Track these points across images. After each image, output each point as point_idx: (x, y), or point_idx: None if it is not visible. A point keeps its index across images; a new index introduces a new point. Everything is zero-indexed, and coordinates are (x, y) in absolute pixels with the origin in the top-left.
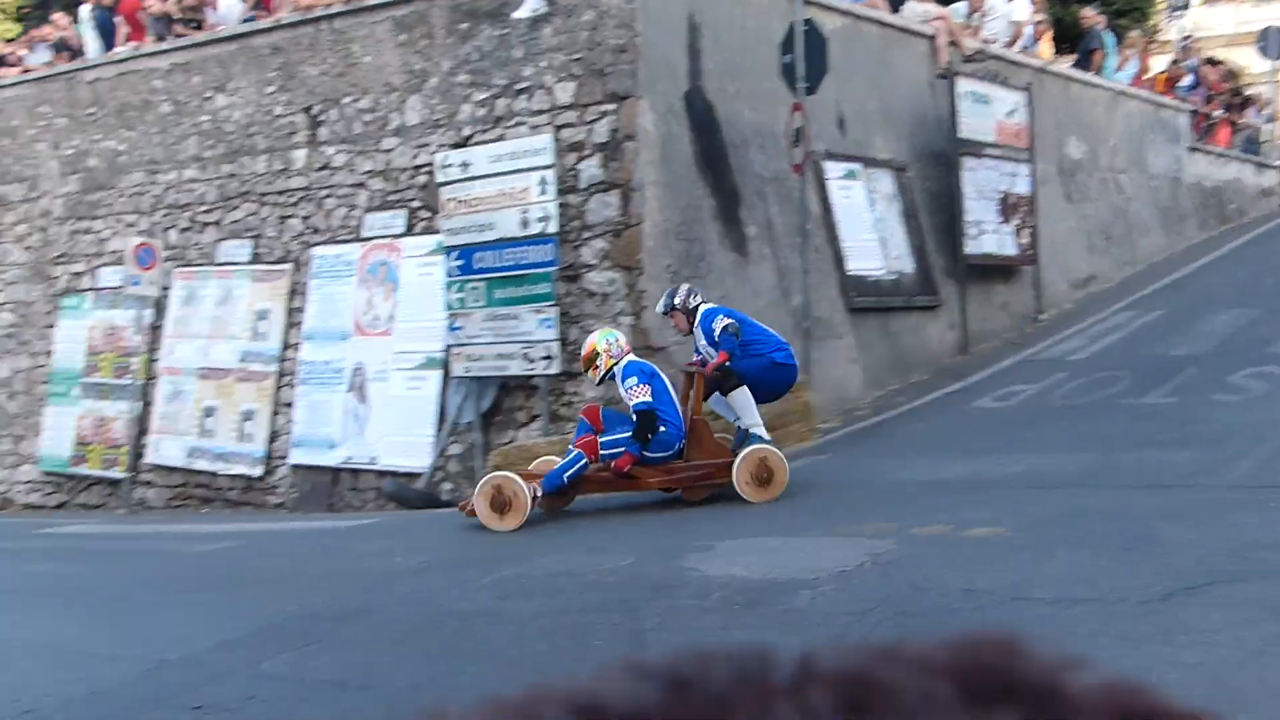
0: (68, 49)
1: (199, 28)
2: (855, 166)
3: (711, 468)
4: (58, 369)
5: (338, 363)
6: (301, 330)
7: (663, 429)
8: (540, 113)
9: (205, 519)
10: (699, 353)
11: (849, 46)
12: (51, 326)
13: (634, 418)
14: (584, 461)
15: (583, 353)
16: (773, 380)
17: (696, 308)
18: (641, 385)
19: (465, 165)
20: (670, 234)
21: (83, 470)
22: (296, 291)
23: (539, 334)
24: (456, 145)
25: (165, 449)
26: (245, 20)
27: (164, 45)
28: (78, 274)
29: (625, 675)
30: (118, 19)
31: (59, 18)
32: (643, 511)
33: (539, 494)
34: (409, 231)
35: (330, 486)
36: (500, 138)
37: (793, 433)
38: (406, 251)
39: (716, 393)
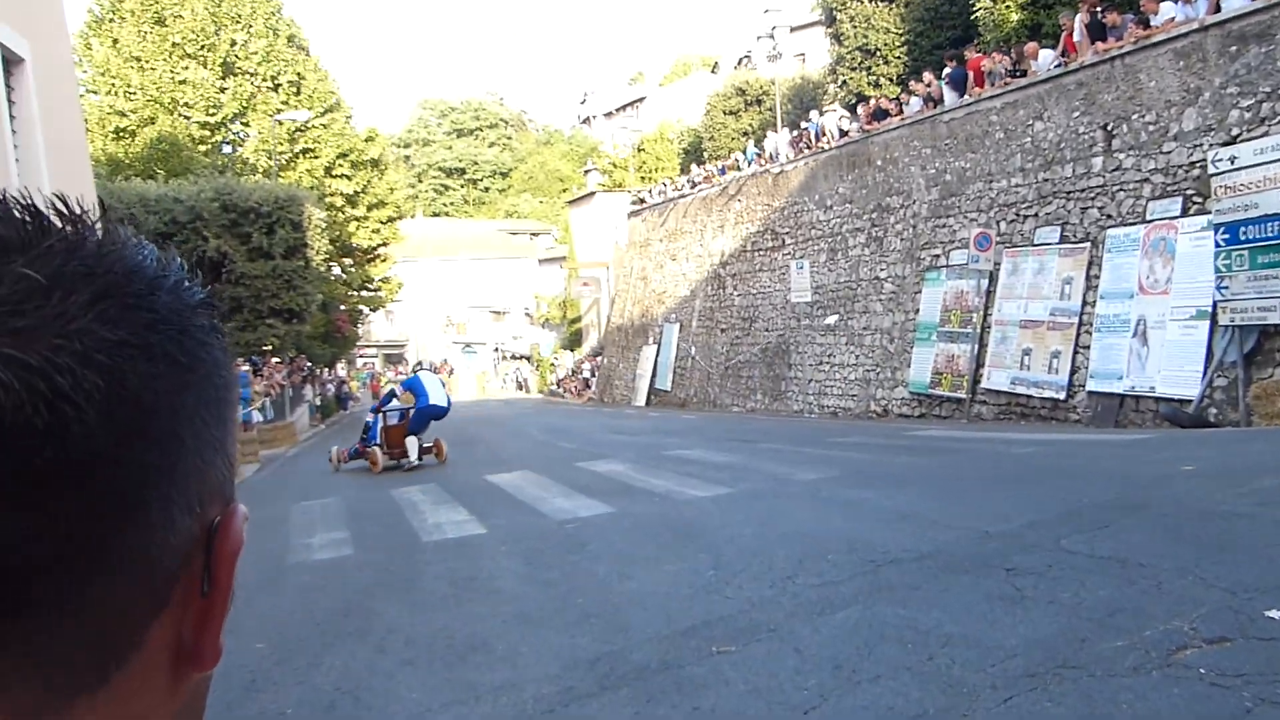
0: (931, 100)
1: (1023, 75)
2: None
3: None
4: (922, 321)
5: (1124, 315)
6: (1097, 291)
7: (370, 434)
8: None
9: (1022, 429)
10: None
11: None
12: (919, 292)
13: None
14: (356, 448)
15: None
16: (425, 418)
17: (415, 369)
18: (372, 413)
19: (1233, 159)
20: None
21: (938, 392)
22: (1093, 263)
23: None
24: (1226, 144)
25: (995, 378)
26: (1055, 66)
27: (998, 90)
28: (935, 255)
29: None
30: (967, 74)
31: (928, 76)
32: None
33: (345, 459)
34: (1184, 213)
35: (1117, 408)
36: (1265, 134)
37: None
38: (1181, 229)
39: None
